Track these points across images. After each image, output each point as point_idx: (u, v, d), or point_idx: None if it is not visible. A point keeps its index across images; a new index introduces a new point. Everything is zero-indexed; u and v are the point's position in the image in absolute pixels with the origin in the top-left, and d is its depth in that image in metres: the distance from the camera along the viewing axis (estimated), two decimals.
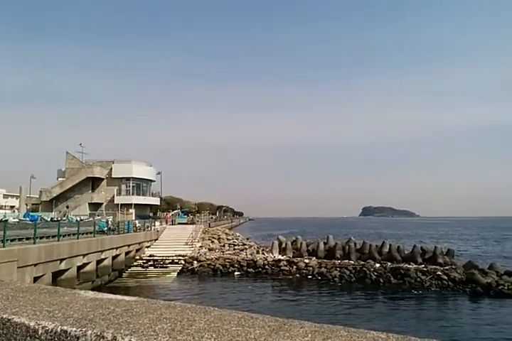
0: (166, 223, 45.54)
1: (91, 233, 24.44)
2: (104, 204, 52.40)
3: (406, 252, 31.74)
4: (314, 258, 30.50)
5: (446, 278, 23.64)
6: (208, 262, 29.04)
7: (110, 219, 33.44)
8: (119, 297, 2.26)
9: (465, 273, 24.28)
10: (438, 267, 26.43)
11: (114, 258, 25.74)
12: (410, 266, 26.58)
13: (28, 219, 35.29)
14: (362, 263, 28.14)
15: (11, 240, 17.38)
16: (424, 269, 25.45)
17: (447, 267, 26.48)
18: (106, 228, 28.14)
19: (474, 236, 78.71)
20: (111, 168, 53.11)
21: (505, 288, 21.73)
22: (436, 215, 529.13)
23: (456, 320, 17.12)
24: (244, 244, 36.07)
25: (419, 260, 29.56)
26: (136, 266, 28.92)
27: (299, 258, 29.94)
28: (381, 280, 24.25)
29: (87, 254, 21.62)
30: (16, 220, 34.63)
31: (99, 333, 1.58)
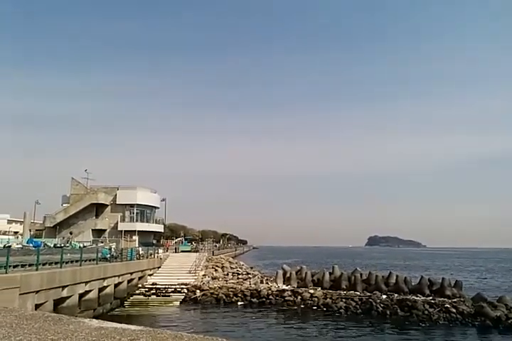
0: (167, 250, 45.31)
1: (94, 260, 24.28)
2: (108, 230, 52.04)
3: (413, 284, 31.07)
4: (319, 288, 29.89)
5: (454, 310, 23.04)
6: (211, 291, 28.55)
7: (113, 246, 33.22)
8: (124, 326, 2.24)
9: (474, 306, 23.68)
10: (446, 299, 25.79)
11: (116, 286, 25.44)
12: (418, 298, 25.97)
13: (31, 245, 35.08)
14: (368, 294, 27.54)
15: (14, 266, 17.27)
16: (432, 301, 24.85)
17: (455, 299, 25.84)
18: (109, 255, 27.95)
19: (483, 268, 77.29)
20: (115, 194, 53.08)
21: None
22: (443, 246, 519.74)
23: None
24: (248, 273, 35.50)
25: (427, 292, 28.87)
26: (139, 294, 28.49)
27: (303, 289, 29.35)
28: (388, 313, 23.66)
29: (89, 282, 21.39)
30: (20, 246, 34.45)
31: None
